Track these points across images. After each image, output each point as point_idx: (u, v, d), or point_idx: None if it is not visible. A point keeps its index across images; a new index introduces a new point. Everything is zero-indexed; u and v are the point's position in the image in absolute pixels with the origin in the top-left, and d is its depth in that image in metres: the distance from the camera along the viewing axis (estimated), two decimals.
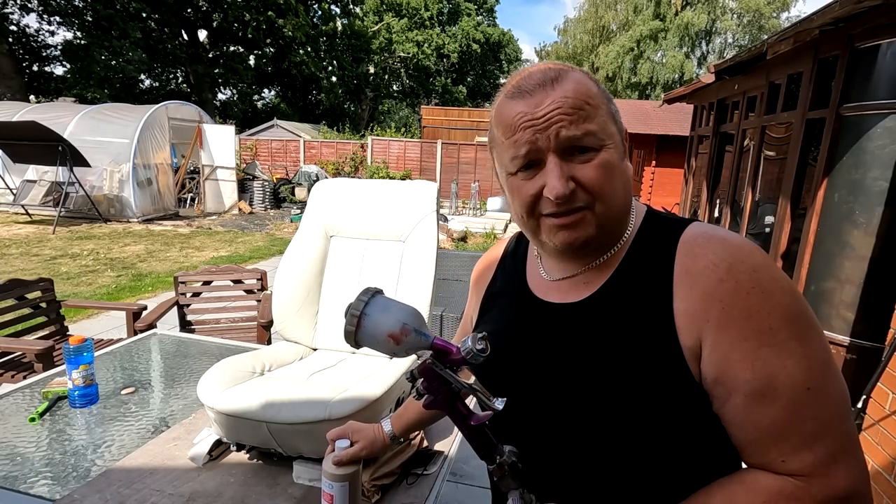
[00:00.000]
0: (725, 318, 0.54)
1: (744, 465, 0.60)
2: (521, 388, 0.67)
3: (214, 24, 21.96)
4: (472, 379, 0.65)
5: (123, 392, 1.65)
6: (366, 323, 0.64)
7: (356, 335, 0.64)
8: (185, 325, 2.89)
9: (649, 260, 0.62)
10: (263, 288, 3.04)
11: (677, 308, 0.57)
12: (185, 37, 22.28)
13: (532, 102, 0.60)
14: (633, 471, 0.60)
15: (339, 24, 26.24)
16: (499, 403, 0.61)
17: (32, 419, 1.45)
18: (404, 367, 1.51)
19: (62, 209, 8.41)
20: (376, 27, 28.59)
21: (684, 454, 0.59)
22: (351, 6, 26.50)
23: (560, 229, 0.62)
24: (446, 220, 9.96)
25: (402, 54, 29.46)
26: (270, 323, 2.60)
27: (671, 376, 0.56)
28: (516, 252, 0.81)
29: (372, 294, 0.66)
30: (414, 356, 1.56)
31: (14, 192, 9.27)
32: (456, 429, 1.50)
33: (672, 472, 0.60)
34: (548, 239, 0.63)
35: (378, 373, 1.52)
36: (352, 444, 0.91)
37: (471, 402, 0.70)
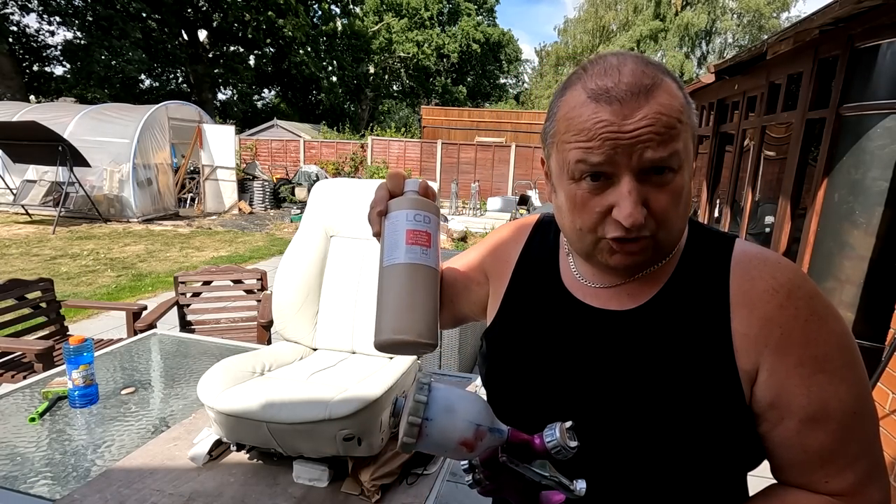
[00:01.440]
0: (784, 343, 0.55)
1: (773, 481, 0.61)
2: (561, 393, 0.64)
3: (214, 24, 21.95)
4: (546, 465, 0.55)
5: (123, 392, 1.65)
6: (429, 431, 0.51)
7: (416, 444, 0.51)
8: (185, 325, 2.89)
9: (701, 276, 0.61)
10: (263, 288, 3.04)
11: (735, 330, 0.57)
12: (185, 37, 22.27)
13: (620, 112, 0.52)
14: (668, 483, 0.60)
15: (339, 24, 26.24)
16: (579, 485, 0.52)
17: (32, 419, 1.45)
18: (405, 367, 1.51)
19: (62, 209, 8.41)
20: (376, 27, 28.59)
21: (717, 471, 0.59)
22: (351, 6, 26.49)
23: (619, 252, 0.57)
24: (446, 220, 9.97)
25: (402, 54, 29.46)
26: (270, 323, 2.60)
27: (724, 396, 0.56)
28: (545, 240, 0.75)
29: (429, 388, 0.52)
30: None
31: (14, 192, 9.27)
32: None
33: (702, 486, 0.60)
34: (601, 258, 0.59)
35: (378, 373, 1.52)
36: None
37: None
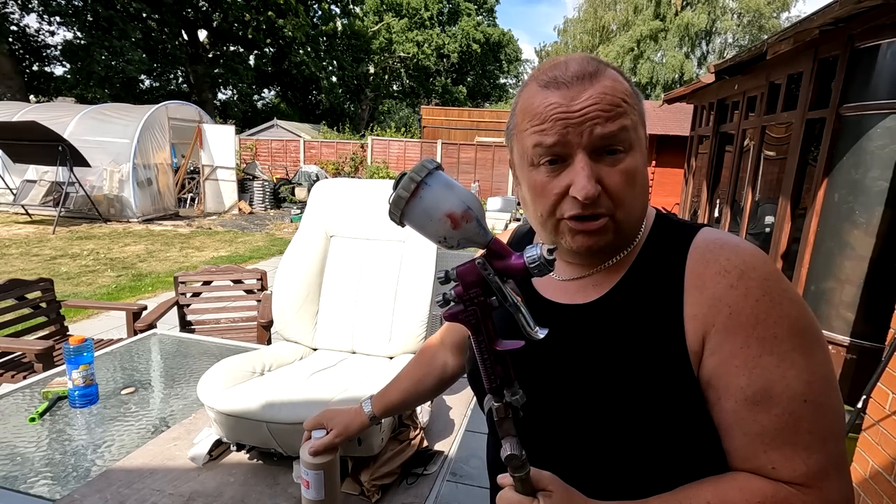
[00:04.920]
0: (732, 323, 0.54)
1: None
2: (525, 386, 0.66)
3: (214, 24, 21.94)
4: (520, 297, 0.55)
5: (123, 392, 1.65)
6: (424, 193, 0.53)
7: (407, 205, 0.54)
8: (185, 325, 2.89)
9: (660, 264, 0.62)
10: (263, 288, 3.03)
11: (687, 313, 0.57)
12: (185, 37, 22.26)
13: (568, 95, 0.57)
14: (629, 467, 0.60)
15: (339, 24, 26.23)
16: (540, 332, 0.53)
17: (32, 419, 1.45)
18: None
19: (62, 209, 8.41)
20: (376, 27, 28.57)
21: (682, 455, 0.59)
22: (351, 6, 26.48)
23: (579, 233, 0.60)
24: None
25: (402, 54, 29.45)
26: (270, 323, 2.60)
27: (677, 381, 0.56)
28: (521, 242, 0.80)
29: (437, 165, 0.55)
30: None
31: (14, 192, 9.27)
32: (455, 429, 1.50)
33: (666, 469, 0.60)
34: (565, 241, 0.62)
35: (378, 373, 1.52)
36: (328, 433, 0.96)
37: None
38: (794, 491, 0.53)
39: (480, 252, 0.56)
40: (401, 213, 0.55)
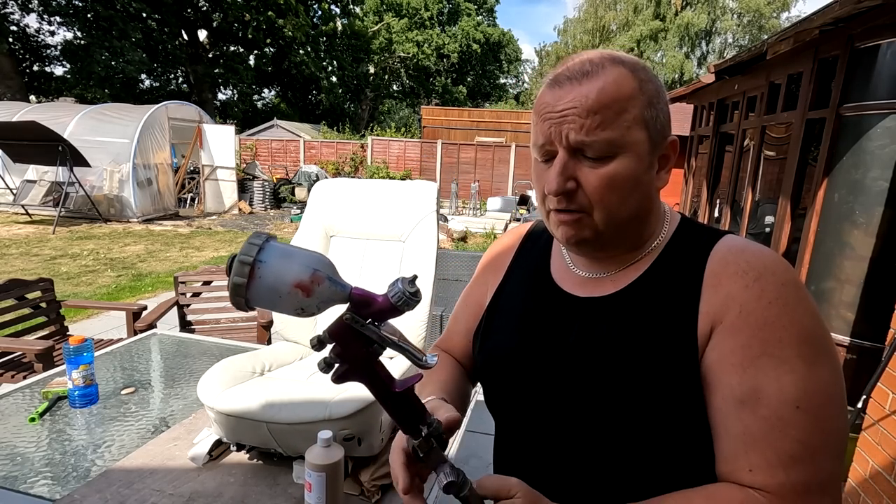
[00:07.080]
0: (739, 322, 0.54)
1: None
2: (539, 377, 0.66)
3: (214, 24, 21.95)
4: (398, 335, 0.54)
5: (123, 392, 1.65)
6: (262, 272, 0.47)
7: (248, 290, 0.48)
8: (185, 325, 2.89)
9: (679, 265, 0.62)
10: None
11: (701, 311, 0.57)
12: (185, 37, 22.27)
13: (557, 95, 0.58)
14: (634, 464, 0.60)
15: (339, 24, 26.23)
16: (431, 359, 0.53)
17: (32, 419, 1.45)
18: (405, 367, 1.52)
19: (62, 209, 8.41)
20: (376, 27, 28.58)
21: (686, 456, 0.59)
22: (351, 6, 26.49)
23: (560, 224, 0.62)
24: (446, 220, 9.97)
25: (402, 54, 29.45)
26: (270, 323, 2.60)
27: (688, 378, 0.56)
28: (540, 238, 0.79)
29: (266, 238, 0.50)
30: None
31: (14, 192, 9.27)
32: (456, 429, 1.50)
33: (670, 470, 0.59)
34: (555, 233, 0.64)
35: None
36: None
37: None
38: (765, 501, 0.50)
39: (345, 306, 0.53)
40: (245, 299, 0.48)
